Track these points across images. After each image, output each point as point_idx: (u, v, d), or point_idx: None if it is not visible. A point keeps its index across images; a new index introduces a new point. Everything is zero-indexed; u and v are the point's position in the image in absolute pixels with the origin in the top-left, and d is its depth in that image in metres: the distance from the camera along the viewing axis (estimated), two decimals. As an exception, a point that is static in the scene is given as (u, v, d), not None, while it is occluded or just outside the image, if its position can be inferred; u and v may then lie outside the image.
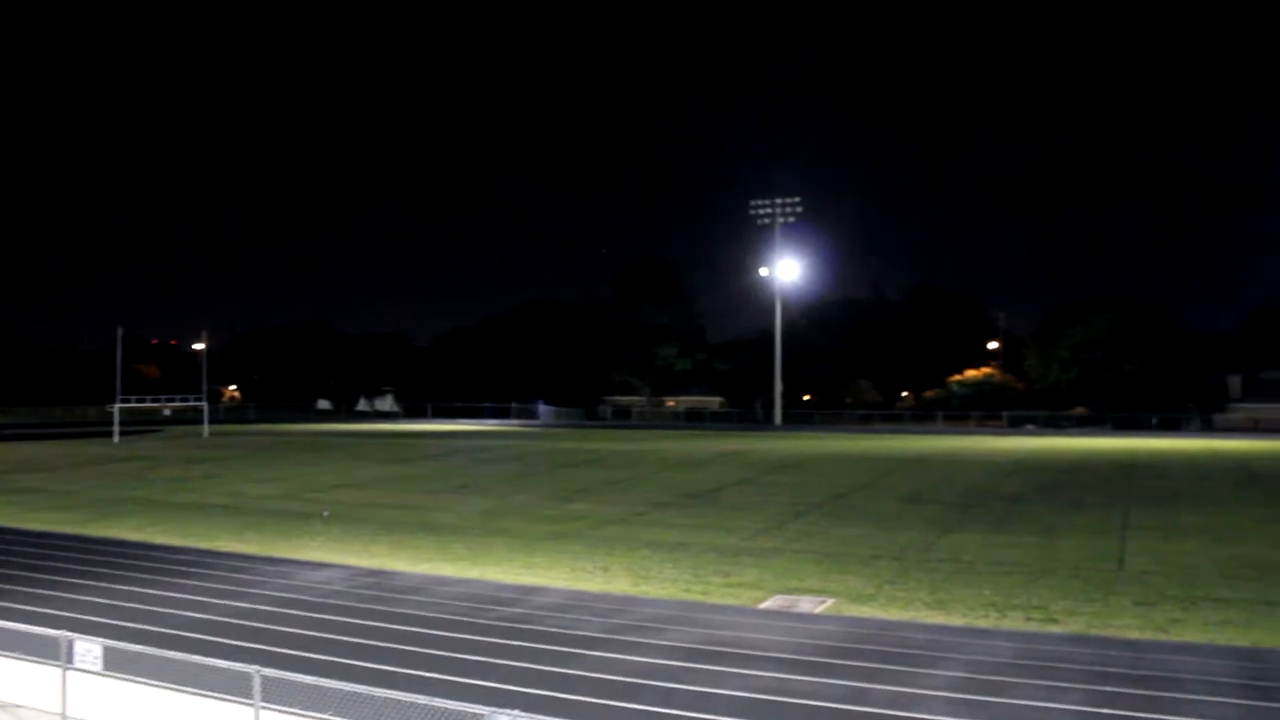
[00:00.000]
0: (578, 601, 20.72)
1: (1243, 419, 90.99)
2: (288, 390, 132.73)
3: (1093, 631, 18.14)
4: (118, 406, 77.30)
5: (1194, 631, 18.08)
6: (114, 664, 13.35)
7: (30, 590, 21.75)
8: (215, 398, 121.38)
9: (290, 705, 11.94)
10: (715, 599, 21.15)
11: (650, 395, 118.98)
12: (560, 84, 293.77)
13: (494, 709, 10.22)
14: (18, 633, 14.02)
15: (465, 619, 19.06)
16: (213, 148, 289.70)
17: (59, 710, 13.32)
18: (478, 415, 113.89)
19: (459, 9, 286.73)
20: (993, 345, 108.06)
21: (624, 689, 14.65)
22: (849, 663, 16.01)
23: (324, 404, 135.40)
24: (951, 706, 13.83)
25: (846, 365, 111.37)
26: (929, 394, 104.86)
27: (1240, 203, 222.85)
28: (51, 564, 25.02)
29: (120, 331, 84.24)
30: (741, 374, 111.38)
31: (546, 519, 33.05)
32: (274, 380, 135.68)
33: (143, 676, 13.69)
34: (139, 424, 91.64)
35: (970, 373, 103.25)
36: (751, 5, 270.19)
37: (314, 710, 11.85)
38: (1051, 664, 15.85)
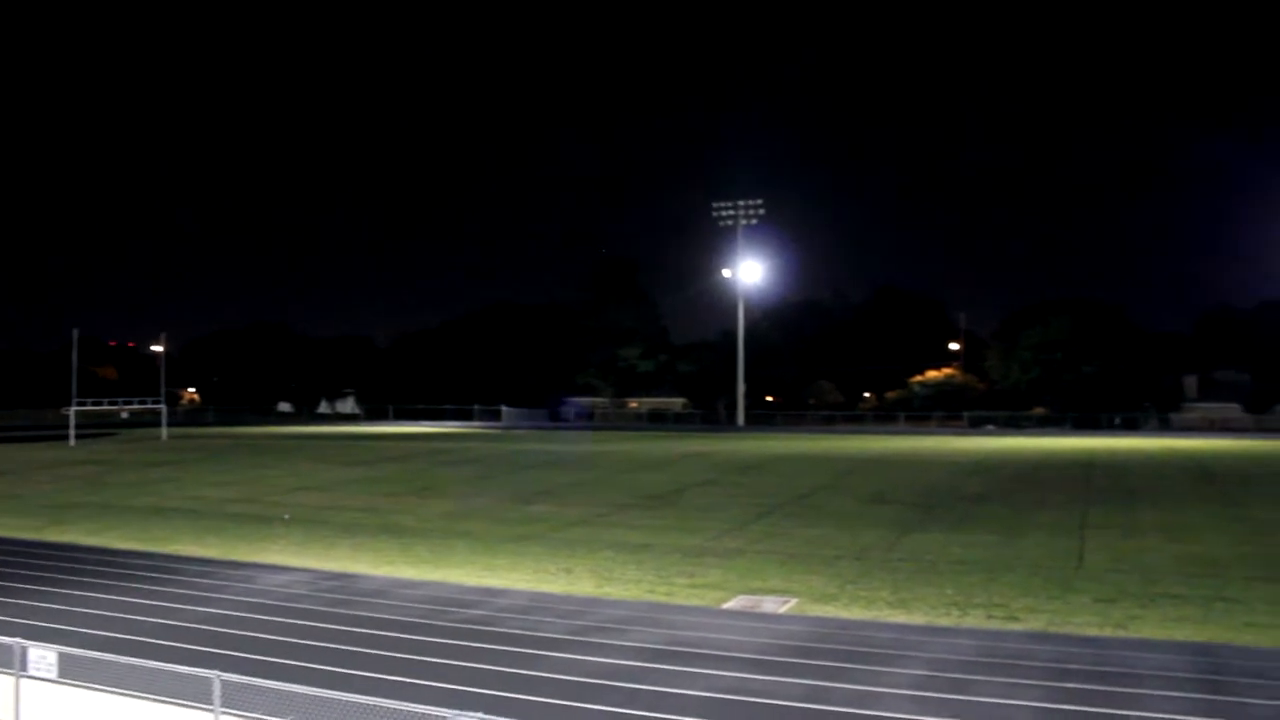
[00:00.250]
0: (540, 603, 20.66)
1: (1198, 418, 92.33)
2: (248, 393, 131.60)
3: (1053, 629, 18.31)
4: (74, 409, 76.30)
5: (1152, 628, 18.29)
6: (69, 671, 13.16)
7: (-16, 596, 21.38)
8: (174, 400, 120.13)
9: (251, 710, 11.82)
10: (679, 600, 21.15)
11: (613, 397, 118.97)
12: (524, 87, 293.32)
13: (457, 711, 10.17)
14: (-29, 639, 13.78)
15: (428, 621, 18.95)
16: (170, 147, 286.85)
17: (12, 719, 13.11)
18: (440, 417, 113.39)
19: (417, 14, 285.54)
20: (954, 346, 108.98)
21: (587, 690, 14.62)
22: (812, 662, 16.06)
23: (285, 406, 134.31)
24: (914, 705, 13.91)
25: (809, 366, 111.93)
26: (891, 395, 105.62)
27: (1197, 204, 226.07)
28: (4, 570, 24.61)
29: (76, 333, 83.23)
30: (704, 375, 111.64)
31: (509, 521, 32.94)
32: (234, 383, 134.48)
33: (99, 683, 13.51)
34: (95, 427, 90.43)
35: (932, 373, 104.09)
36: (712, 9, 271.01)
37: (276, 715, 11.75)
38: (1013, 661, 15.98)
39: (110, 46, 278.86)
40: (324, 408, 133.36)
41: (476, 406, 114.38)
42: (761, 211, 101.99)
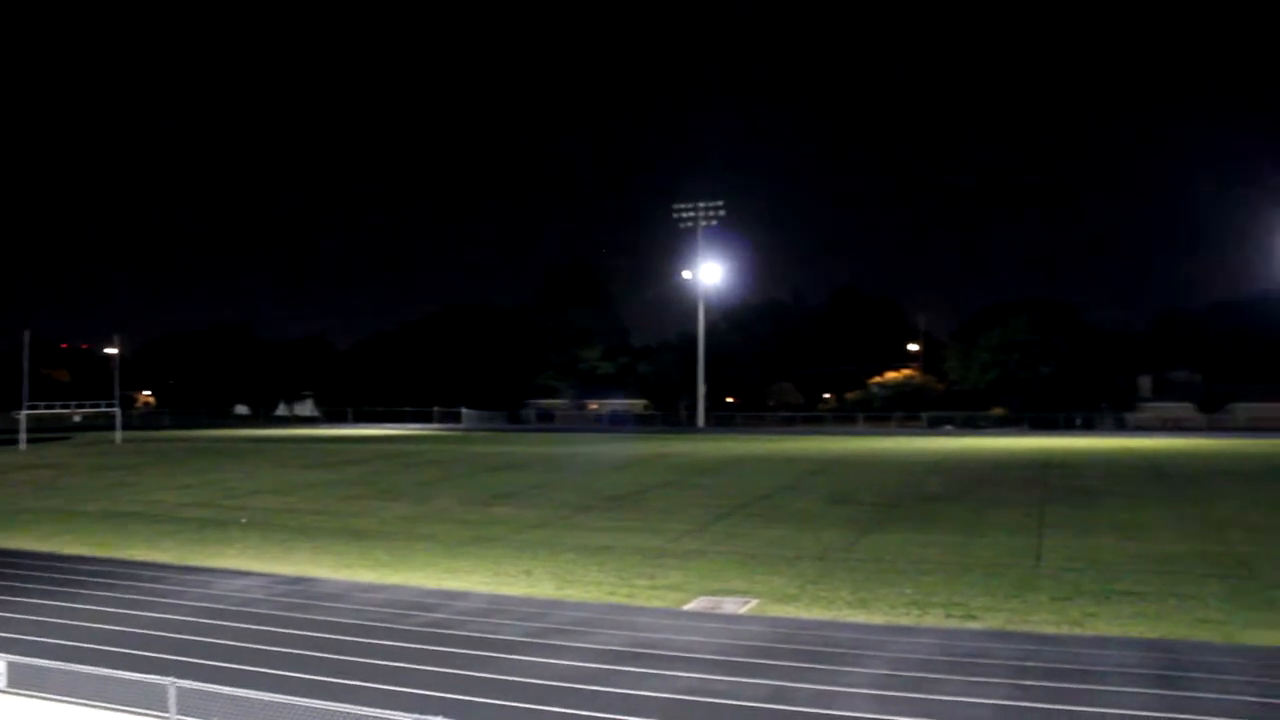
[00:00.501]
0: (501, 606, 20.58)
1: (1153, 418, 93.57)
2: (205, 395, 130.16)
3: (1011, 627, 18.47)
4: (25, 413, 75.12)
5: (1108, 625, 18.50)
6: (19, 680, 12.95)
7: (-68, 604, 20.99)
8: (129, 403, 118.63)
9: (208, 717, 11.67)
10: (640, 601, 21.14)
11: (574, 398, 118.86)
12: (483, 89, 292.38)
13: (417, 715, 10.10)
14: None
15: (387, 625, 18.82)
16: (126, 147, 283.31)
17: (-38, 727, 12.88)
18: (400, 419, 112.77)
19: (371, 16, 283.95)
20: (913, 347, 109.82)
21: (548, 693, 14.57)
22: (773, 662, 16.10)
23: (242, 409, 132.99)
24: (874, 704, 13.97)
25: (769, 368, 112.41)
26: (850, 396, 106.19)
27: (1152, 206, 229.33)
28: (-45, 576, 24.18)
29: (27, 335, 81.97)
30: (665, 377, 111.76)
31: (469, 523, 32.79)
32: (190, 385, 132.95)
33: (50, 692, 13.30)
34: (47, 431, 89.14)
35: (891, 375, 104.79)
36: (670, 12, 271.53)
37: (232, 721, 11.60)
38: (972, 660, 16.11)
39: (60, 41, 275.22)
40: (282, 410, 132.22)
41: (436, 409, 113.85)
42: (722, 213, 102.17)
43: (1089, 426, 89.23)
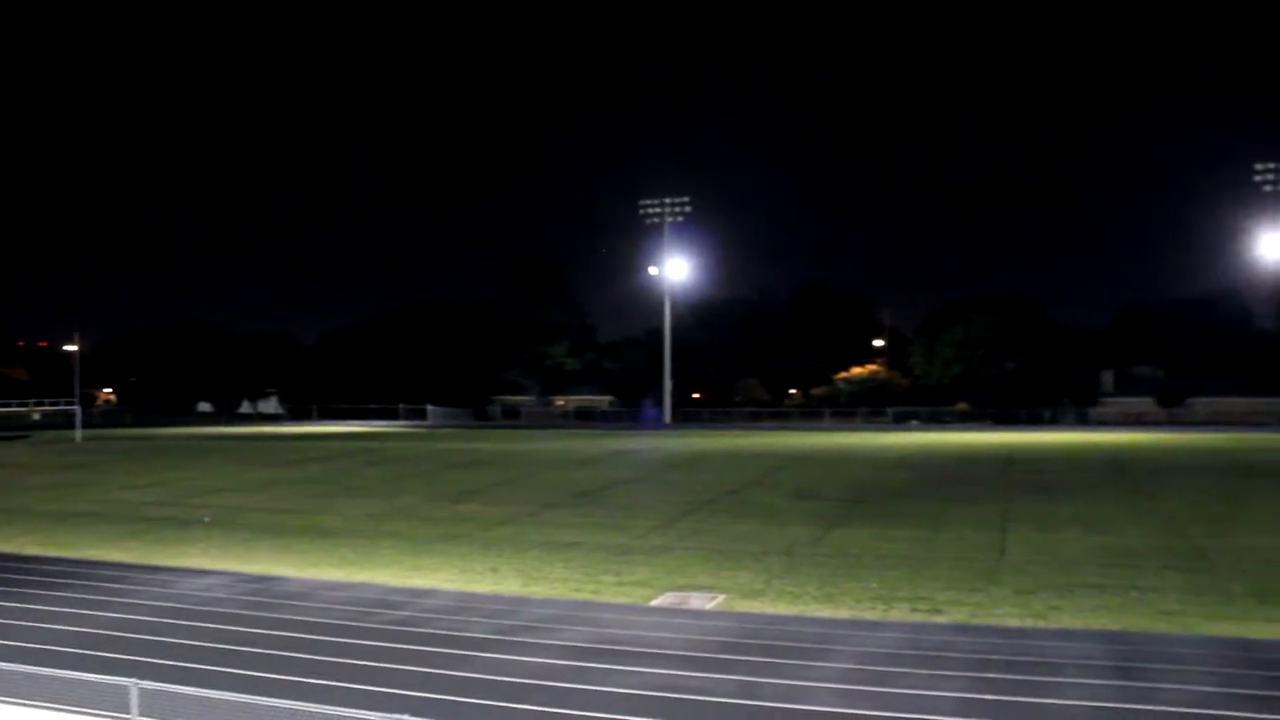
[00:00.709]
0: (468, 603, 20.53)
1: (1115, 413, 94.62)
2: (167, 393, 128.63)
3: (975, 620, 18.63)
4: (-19, 411, 74.12)
5: (1070, 617, 18.71)
6: (-22, 681, 12.78)
7: (-112, 605, 20.66)
8: (89, 401, 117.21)
9: (171, 718, 11.56)
10: (606, 598, 21.15)
11: (540, 395, 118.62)
12: (448, 85, 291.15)
13: (384, 714, 10.05)
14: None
15: (353, 623, 18.72)
16: (87, 143, 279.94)
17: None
18: (365, 417, 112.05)
19: (332, 12, 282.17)
20: (879, 343, 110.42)
21: (515, 690, 14.54)
22: (740, 657, 16.15)
23: (205, 407, 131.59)
24: (840, 698, 14.05)
25: (735, 364, 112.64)
26: (816, 391, 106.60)
27: (1116, 203, 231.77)
28: (-89, 577, 23.82)
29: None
30: (631, 373, 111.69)
31: (435, 521, 32.67)
32: (152, 383, 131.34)
33: (10, 695, 13.13)
34: (5, 429, 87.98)
35: (857, 370, 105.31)
36: (636, 8, 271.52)
37: (195, 722, 11.49)
38: (937, 653, 16.23)
39: (30, 38, 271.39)
40: (246, 408, 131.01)
41: (402, 406, 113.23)
42: (688, 209, 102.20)
43: (1052, 421, 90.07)
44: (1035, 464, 47.99)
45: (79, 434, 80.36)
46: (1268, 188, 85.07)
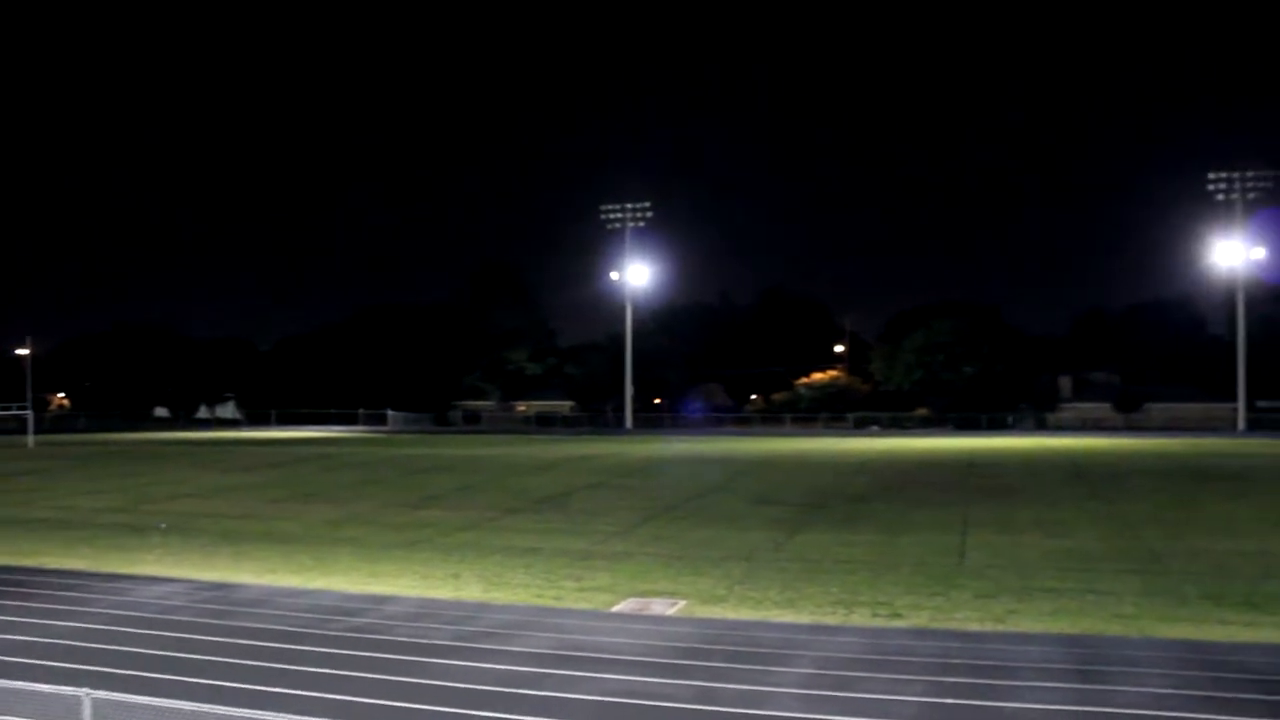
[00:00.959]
0: (428, 610, 20.38)
1: (1073, 418, 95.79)
2: (122, 397, 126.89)
3: (935, 625, 18.73)
4: (-69, 417, 72.84)
5: (1030, 621, 18.85)
6: (-75, 692, 12.50)
7: None
8: (42, 406, 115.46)
9: (124, 728, 11.36)
10: (567, 603, 21.08)
11: (501, 400, 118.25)
12: (412, 89, 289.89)
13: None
14: None
15: (311, 630, 18.52)
16: (42, 142, 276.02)
17: None
18: (324, 422, 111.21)
19: (299, 14, 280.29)
20: (839, 349, 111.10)
21: (476, 697, 14.44)
22: (701, 663, 16.14)
23: (161, 412, 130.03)
24: (801, 703, 14.07)
25: (696, 369, 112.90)
26: (777, 397, 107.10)
27: (1074, 209, 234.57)
28: None
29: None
30: (592, 378, 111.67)
31: (395, 527, 32.45)
32: (107, 387, 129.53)
33: (-41, 704, 12.85)
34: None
35: (817, 376, 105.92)
36: (596, 12, 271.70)
37: (149, 732, 11.30)
38: (897, 658, 16.29)
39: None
40: (203, 413, 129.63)
41: (361, 410, 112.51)
42: (649, 214, 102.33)
43: (1011, 427, 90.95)
44: (995, 469, 48.41)
45: (31, 439, 79.06)
46: (1220, 196, 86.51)
